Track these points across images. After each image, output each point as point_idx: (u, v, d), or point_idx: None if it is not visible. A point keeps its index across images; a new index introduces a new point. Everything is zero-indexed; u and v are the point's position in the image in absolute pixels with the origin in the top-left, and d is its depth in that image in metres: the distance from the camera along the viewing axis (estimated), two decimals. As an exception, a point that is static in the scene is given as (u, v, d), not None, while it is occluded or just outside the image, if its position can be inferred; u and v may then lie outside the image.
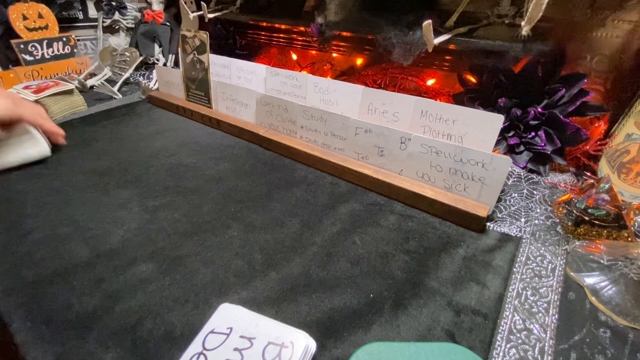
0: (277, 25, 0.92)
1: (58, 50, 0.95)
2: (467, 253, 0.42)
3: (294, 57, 0.95)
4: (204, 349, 0.30)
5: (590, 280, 0.37)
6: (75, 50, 0.99)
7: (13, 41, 0.86)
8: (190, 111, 0.77)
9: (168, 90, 0.85)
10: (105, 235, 0.44)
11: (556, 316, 0.34)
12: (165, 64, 1.05)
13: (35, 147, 0.59)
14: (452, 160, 0.47)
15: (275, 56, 1.00)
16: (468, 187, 0.47)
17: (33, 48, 0.90)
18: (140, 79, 1.01)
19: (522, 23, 0.50)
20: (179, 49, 0.76)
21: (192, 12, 0.90)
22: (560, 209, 0.47)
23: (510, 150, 0.60)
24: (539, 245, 0.43)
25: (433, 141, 0.48)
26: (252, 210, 0.49)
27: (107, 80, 0.95)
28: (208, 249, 0.42)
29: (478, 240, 0.44)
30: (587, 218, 0.43)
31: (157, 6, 1.08)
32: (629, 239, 0.42)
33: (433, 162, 0.49)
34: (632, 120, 0.50)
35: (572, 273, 0.39)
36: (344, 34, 0.80)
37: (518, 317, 0.34)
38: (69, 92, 0.79)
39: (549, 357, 0.31)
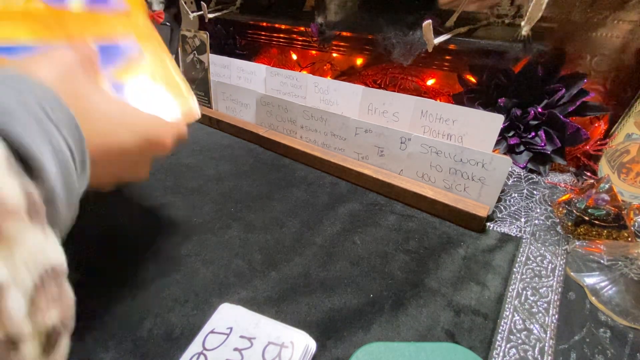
0: (277, 25, 0.92)
1: (58, 50, 0.95)
2: (467, 253, 0.42)
3: (294, 57, 0.95)
4: (204, 349, 0.30)
5: (590, 280, 0.37)
6: (75, 50, 0.98)
7: (13, 41, 0.86)
8: (190, 111, 0.77)
9: (168, 90, 0.85)
10: (105, 235, 0.44)
11: (556, 316, 0.34)
12: (165, 64, 1.05)
13: None
14: (452, 160, 0.47)
15: (275, 56, 1.00)
16: (468, 187, 0.47)
17: (33, 48, 0.89)
18: (140, 79, 1.01)
19: (522, 23, 0.50)
20: (179, 49, 0.76)
21: (192, 12, 0.90)
22: (560, 209, 0.47)
23: (510, 150, 0.60)
24: (539, 245, 0.43)
25: (433, 141, 0.48)
26: (252, 210, 0.49)
27: (107, 80, 0.95)
28: (208, 249, 0.42)
29: (478, 240, 0.44)
30: (587, 218, 0.43)
31: (157, 6, 1.08)
32: (629, 239, 0.42)
33: (433, 162, 0.49)
34: (632, 120, 0.50)
35: (572, 273, 0.39)
36: (344, 34, 0.80)
37: (518, 317, 0.34)
38: (69, 92, 0.78)
39: (549, 357, 0.31)
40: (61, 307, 0.18)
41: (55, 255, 0.18)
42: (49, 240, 0.17)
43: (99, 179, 0.25)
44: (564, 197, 0.48)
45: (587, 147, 0.56)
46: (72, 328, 0.19)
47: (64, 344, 0.19)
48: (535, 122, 0.57)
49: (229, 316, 0.32)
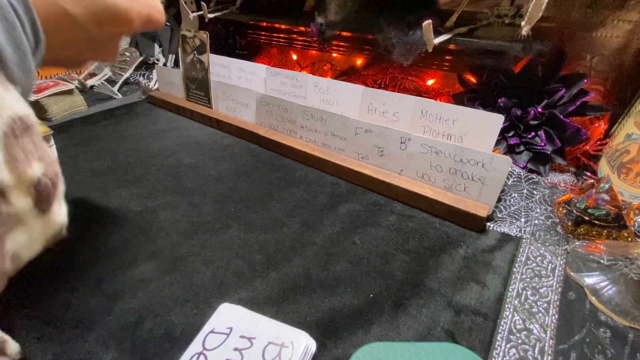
0: (277, 25, 0.92)
1: (58, 50, 0.95)
2: (467, 253, 0.42)
3: (294, 57, 0.95)
4: (204, 349, 0.30)
5: (590, 280, 0.37)
6: (75, 50, 0.98)
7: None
8: (190, 111, 0.77)
9: (168, 90, 0.85)
10: (105, 235, 0.44)
11: (556, 316, 0.34)
12: (165, 64, 1.05)
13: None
14: (452, 160, 0.47)
15: (275, 56, 1.00)
16: (468, 187, 0.47)
17: (33, 48, 0.89)
18: (140, 79, 1.01)
19: (522, 23, 0.50)
20: (179, 49, 0.76)
21: (192, 12, 0.90)
22: (560, 209, 0.47)
23: (510, 150, 0.60)
24: (539, 245, 0.43)
25: (433, 141, 0.48)
26: (252, 210, 0.49)
27: (107, 80, 0.95)
28: (208, 249, 0.42)
29: (478, 240, 0.44)
30: (587, 218, 0.43)
31: (157, 6, 1.08)
32: (629, 239, 0.42)
33: (433, 162, 0.49)
34: (632, 120, 0.50)
35: (572, 273, 0.39)
36: (344, 34, 0.80)
37: (518, 317, 0.34)
38: (69, 92, 0.79)
39: (549, 357, 0.31)
40: (43, 161, 0.18)
41: (20, 106, 0.17)
42: (10, 93, 0.17)
43: (57, 52, 0.24)
44: (564, 197, 0.48)
45: (587, 147, 0.56)
46: (63, 190, 0.19)
47: (58, 206, 0.19)
48: (535, 122, 0.57)
49: (229, 316, 0.32)
